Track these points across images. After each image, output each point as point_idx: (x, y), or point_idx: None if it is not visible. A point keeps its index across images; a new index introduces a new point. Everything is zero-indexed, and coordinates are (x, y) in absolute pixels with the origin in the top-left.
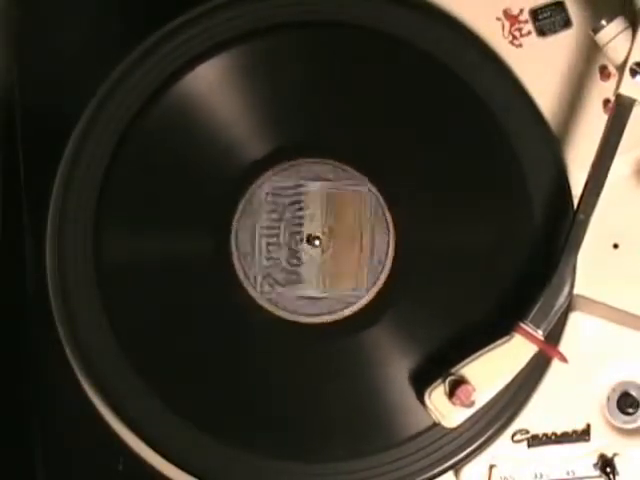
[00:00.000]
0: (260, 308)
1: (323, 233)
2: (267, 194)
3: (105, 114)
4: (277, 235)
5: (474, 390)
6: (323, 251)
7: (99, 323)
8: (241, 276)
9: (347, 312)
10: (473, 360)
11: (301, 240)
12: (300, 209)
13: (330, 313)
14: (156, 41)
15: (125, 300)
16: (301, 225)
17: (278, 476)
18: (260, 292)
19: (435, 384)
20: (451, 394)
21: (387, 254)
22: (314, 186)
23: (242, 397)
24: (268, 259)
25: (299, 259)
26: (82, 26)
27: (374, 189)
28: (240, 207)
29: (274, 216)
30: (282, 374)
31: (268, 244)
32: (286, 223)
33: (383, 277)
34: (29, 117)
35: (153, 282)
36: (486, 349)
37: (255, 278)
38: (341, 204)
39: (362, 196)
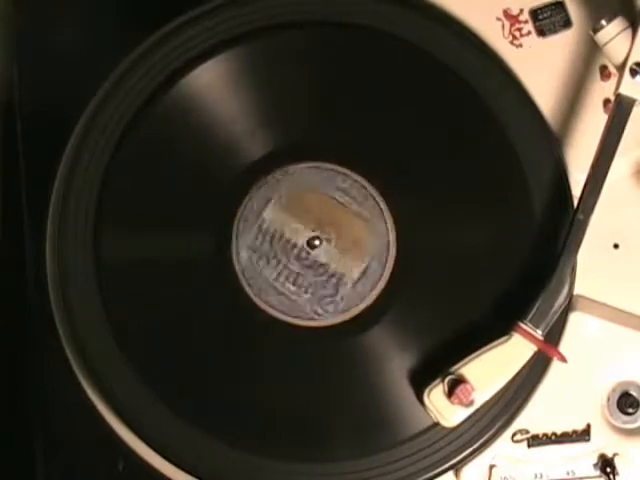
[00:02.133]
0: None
1: (313, 230)
2: (250, 256)
3: (105, 114)
4: (291, 271)
5: (473, 390)
6: (329, 241)
7: (99, 323)
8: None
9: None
10: (472, 360)
11: (307, 252)
12: (281, 236)
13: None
14: (156, 41)
15: (125, 300)
16: (295, 245)
17: (278, 476)
18: (319, 314)
19: (434, 383)
20: (450, 393)
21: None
22: (268, 210)
23: (242, 397)
24: (306, 292)
25: (323, 264)
26: (82, 26)
27: (312, 164)
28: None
29: (273, 264)
30: (282, 375)
31: (294, 284)
32: (286, 257)
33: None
34: (29, 117)
35: (153, 282)
36: (485, 348)
37: (315, 311)
38: (299, 199)
39: (306, 177)
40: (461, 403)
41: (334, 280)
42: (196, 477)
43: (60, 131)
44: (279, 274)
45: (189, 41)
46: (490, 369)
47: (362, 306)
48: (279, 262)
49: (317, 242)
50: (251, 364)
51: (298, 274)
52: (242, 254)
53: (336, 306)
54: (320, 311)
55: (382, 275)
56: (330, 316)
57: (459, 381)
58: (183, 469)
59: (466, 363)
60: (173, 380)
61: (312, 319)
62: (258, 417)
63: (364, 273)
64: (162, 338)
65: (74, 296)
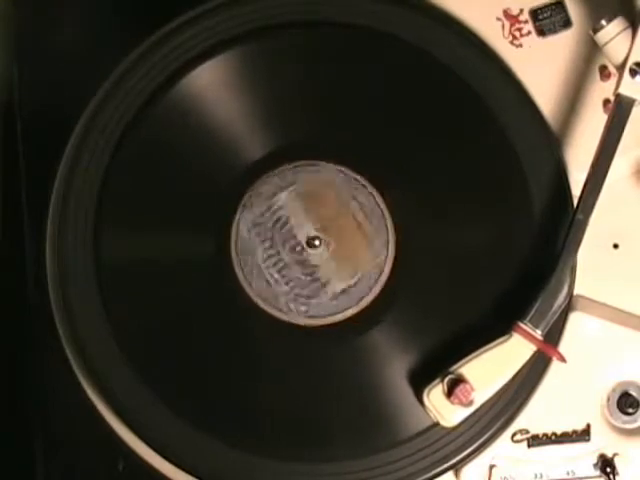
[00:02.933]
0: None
1: (317, 230)
2: (248, 231)
3: (105, 114)
4: (281, 259)
5: (473, 389)
6: (328, 244)
7: (99, 323)
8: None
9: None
10: (472, 359)
11: (303, 248)
12: (285, 224)
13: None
14: (156, 41)
15: (125, 300)
16: (295, 237)
17: (278, 476)
18: (290, 310)
19: (433, 383)
20: (449, 393)
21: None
22: (283, 196)
23: (242, 397)
24: (287, 284)
25: (313, 265)
26: (82, 26)
27: (348, 171)
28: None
29: (267, 245)
30: (282, 375)
31: (279, 272)
32: (282, 245)
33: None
34: (29, 117)
35: (153, 282)
36: (485, 348)
37: (287, 305)
38: (317, 196)
39: (331, 178)
40: (461, 403)
41: (317, 284)
42: (196, 477)
43: (60, 131)
44: (269, 257)
45: (189, 41)
46: (490, 369)
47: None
48: (273, 245)
49: (317, 242)
50: (251, 364)
51: (286, 265)
52: (242, 227)
53: (307, 309)
54: (292, 307)
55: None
56: (298, 316)
57: (459, 381)
58: (183, 469)
59: (465, 363)
60: (173, 380)
61: (281, 311)
62: (258, 417)
63: (347, 290)
64: (162, 338)
65: (74, 296)
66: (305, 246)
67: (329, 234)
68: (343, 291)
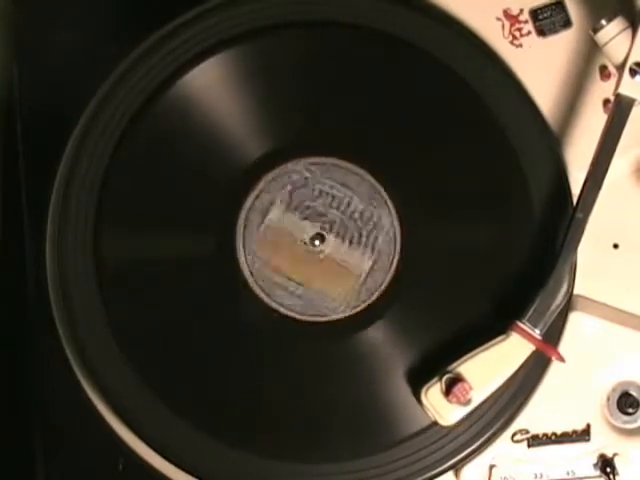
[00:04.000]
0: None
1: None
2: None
3: (105, 114)
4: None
5: (471, 388)
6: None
7: (99, 323)
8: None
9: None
10: (470, 358)
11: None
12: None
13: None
14: (156, 41)
15: (125, 300)
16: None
17: (278, 476)
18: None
19: (432, 382)
20: (447, 392)
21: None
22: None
23: (242, 397)
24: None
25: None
26: (82, 26)
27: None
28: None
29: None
30: (282, 374)
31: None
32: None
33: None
34: (29, 117)
35: (153, 282)
36: (483, 347)
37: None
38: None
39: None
40: (458, 402)
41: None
42: (196, 477)
43: (60, 131)
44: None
45: (189, 41)
46: (488, 368)
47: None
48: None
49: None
50: (251, 364)
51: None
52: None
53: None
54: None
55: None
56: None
57: (457, 380)
58: (183, 469)
59: (464, 362)
60: (173, 380)
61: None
62: (258, 417)
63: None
64: (162, 338)
65: (74, 296)
66: (315, 240)
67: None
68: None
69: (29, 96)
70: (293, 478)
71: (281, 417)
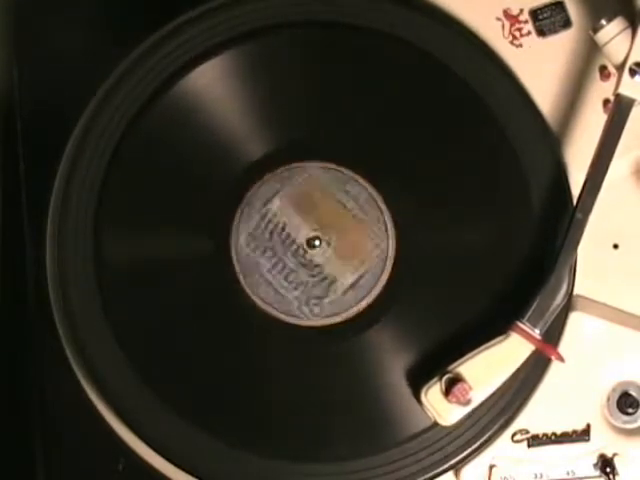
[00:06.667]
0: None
1: (315, 230)
2: (247, 244)
3: (105, 114)
4: (285, 266)
5: (470, 388)
6: (329, 243)
7: (99, 323)
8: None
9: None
10: (470, 358)
11: (304, 250)
12: (282, 229)
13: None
14: (156, 41)
15: (125, 300)
16: (294, 241)
17: (278, 476)
18: (314, 315)
19: (431, 382)
20: (447, 392)
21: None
22: (276, 202)
23: (242, 397)
24: (296, 288)
25: (318, 265)
26: (82, 26)
27: (331, 165)
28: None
29: (269, 254)
30: (282, 375)
31: (286, 278)
32: (282, 251)
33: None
34: (29, 117)
35: (153, 282)
36: (483, 347)
37: (300, 309)
38: (308, 197)
39: (315, 176)
40: (458, 402)
41: (326, 283)
42: (196, 477)
43: (60, 131)
44: (273, 266)
45: (189, 41)
46: (487, 368)
47: (344, 315)
48: (275, 254)
49: (317, 242)
50: (251, 364)
51: (292, 270)
52: (241, 241)
53: (322, 309)
54: (306, 311)
55: (375, 284)
56: (314, 318)
57: (456, 380)
58: (183, 469)
59: (463, 362)
60: (173, 380)
61: (296, 317)
62: (258, 417)
63: (356, 283)
64: (162, 338)
65: (74, 296)
66: (306, 247)
67: (329, 233)
68: (354, 283)
69: (29, 96)
70: (293, 478)
71: (281, 417)
